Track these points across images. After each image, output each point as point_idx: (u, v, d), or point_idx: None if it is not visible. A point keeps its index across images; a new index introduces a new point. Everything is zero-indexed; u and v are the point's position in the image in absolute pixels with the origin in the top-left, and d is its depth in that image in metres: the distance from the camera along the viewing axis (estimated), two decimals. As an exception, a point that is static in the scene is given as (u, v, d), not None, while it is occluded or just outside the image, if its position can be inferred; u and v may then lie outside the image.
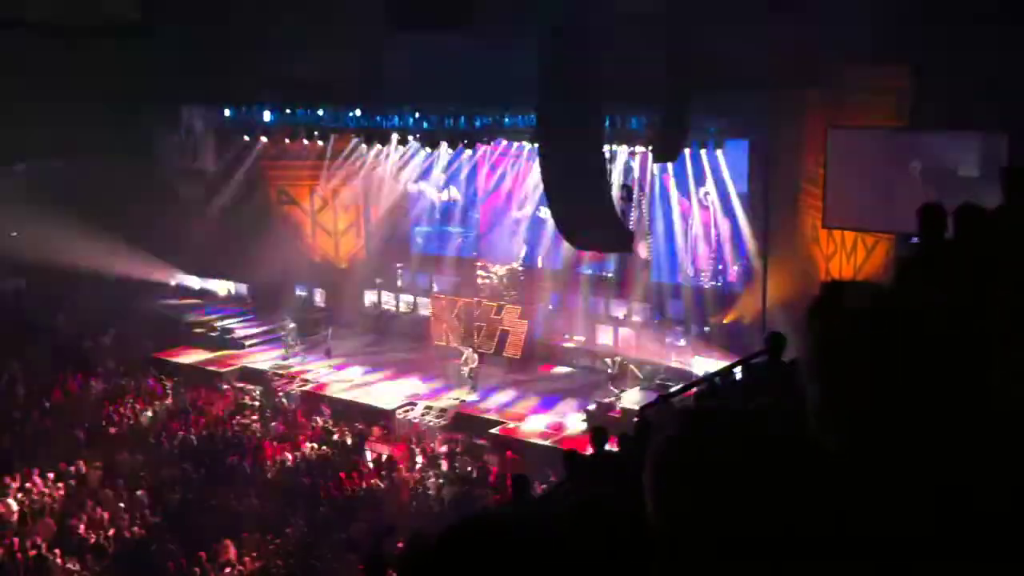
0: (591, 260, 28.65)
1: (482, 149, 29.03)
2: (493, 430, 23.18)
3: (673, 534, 1.59)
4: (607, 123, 23.19)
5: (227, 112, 30.77)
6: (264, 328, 30.43)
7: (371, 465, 21.60)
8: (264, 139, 30.93)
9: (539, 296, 29.12)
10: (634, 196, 27.46)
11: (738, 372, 13.15)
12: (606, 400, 24.21)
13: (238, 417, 24.03)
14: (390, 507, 19.93)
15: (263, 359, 28.54)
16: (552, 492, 12.82)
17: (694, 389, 14.33)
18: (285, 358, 28.33)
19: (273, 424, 23.75)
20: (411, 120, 27.91)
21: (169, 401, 24.99)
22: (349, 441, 22.87)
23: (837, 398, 1.69)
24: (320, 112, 28.99)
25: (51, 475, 20.08)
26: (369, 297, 32.13)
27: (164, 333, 29.36)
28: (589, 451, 12.00)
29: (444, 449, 22.43)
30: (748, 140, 25.65)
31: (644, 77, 20.56)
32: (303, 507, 19.76)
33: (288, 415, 24.36)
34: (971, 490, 1.61)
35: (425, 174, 32.28)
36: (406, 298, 31.51)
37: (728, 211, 26.83)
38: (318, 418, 24.11)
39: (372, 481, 20.91)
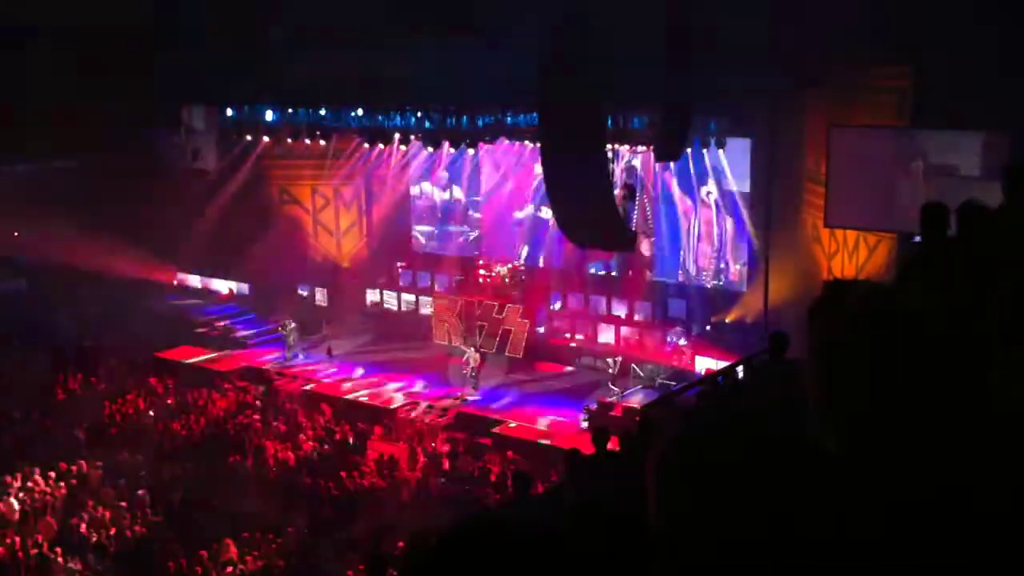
0: (597, 259, 28.69)
1: (484, 148, 29.03)
2: (495, 429, 23.19)
3: (673, 535, 1.59)
4: (609, 122, 23.20)
5: (228, 112, 30.77)
6: (265, 328, 30.42)
7: (372, 464, 21.59)
8: (266, 139, 30.96)
9: (541, 295, 29.13)
10: (636, 195, 27.50)
11: (740, 372, 13.16)
12: (607, 400, 24.21)
13: (239, 416, 24.02)
14: (391, 507, 19.93)
15: (264, 358, 28.54)
16: (552, 492, 12.82)
17: (696, 389, 14.33)
18: (286, 358, 28.34)
19: (274, 423, 23.75)
20: (413, 120, 27.91)
21: (170, 400, 24.99)
22: (350, 440, 22.88)
23: (837, 398, 1.69)
24: (322, 112, 29.00)
25: (52, 474, 20.08)
26: (371, 296, 32.15)
27: (165, 332, 29.35)
28: (590, 451, 11.98)
29: (446, 448, 22.43)
30: (750, 139, 25.67)
31: (645, 76, 20.55)
32: (304, 507, 19.77)
33: (289, 415, 24.35)
34: (971, 490, 1.61)
35: (427, 174, 32.31)
36: (408, 297, 31.51)
37: (730, 210, 26.85)
38: (319, 417, 24.11)
39: (373, 481, 20.92)
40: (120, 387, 25.55)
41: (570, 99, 19.39)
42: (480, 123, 26.91)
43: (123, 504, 19.24)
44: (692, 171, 27.03)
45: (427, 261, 32.18)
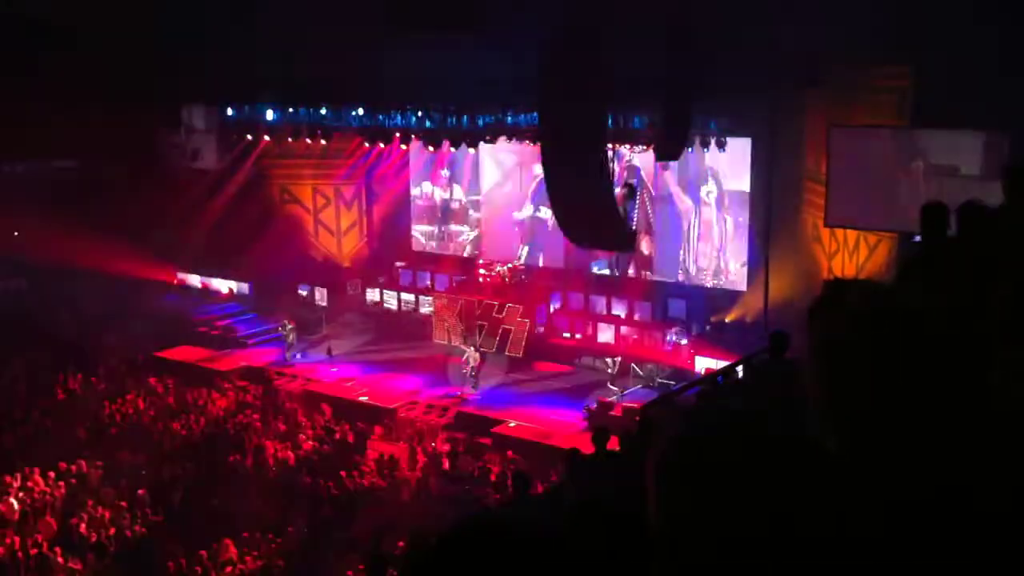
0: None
1: (484, 148, 29.04)
2: (494, 429, 23.19)
3: (673, 534, 1.59)
4: (609, 122, 23.20)
5: (229, 111, 30.79)
6: (265, 327, 30.42)
7: (372, 464, 21.59)
8: (266, 138, 30.98)
9: (541, 295, 29.13)
10: (637, 195, 27.53)
11: (740, 371, 13.15)
12: (607, 399, 24.21)
13: (239, 416, 24.02)
14: (391, 506, 19.93)
15: (264, 358, 28.54)
16: (552, 492, 12.82)
17: (696, 388, 14.32)
18: (286, 357, 28.34)
19: (274, 423, 23.74)
20: (413, 119, 27.93)
21: (170, 400, 24.99)
22: (350, 440, 22.88)
23: (837, 398, 1.69)
24: (323, 111, 29.01)
25: (52, 474, 20.08)
26: (371, 296, 32.16)
27: (165, 332, 29.35)
28: (590, 450, 11.98)
29: (446, 448, 22.43)
30: (750, 139, 25.69)
31: (646, 76, 20.56)
32: (304, 506, 19.77)
33: (289, 414, 24.35)
34: (971, 490, 1.61)
35: (427, 173, 32.34)
36: (407, 297, 31.52)
37: (730, 210, 26.87)
38: (319, 417, 24.11)
39: (373, 480, 20.92)
40: (120, 387, 25.54)
41: (570, 99, 19.39)
42: (480, 123, 26.94)
43: (123, 504, 19.24)
44: (692, 171, 27.05)
45: (427, 261, 32.19)
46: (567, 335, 28.52)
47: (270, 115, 29.91)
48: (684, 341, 26.50)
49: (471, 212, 31.99)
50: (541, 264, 30.23)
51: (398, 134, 28.41)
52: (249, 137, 31.39)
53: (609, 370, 26.32)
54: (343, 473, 20.63)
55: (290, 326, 28.64)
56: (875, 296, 1.77)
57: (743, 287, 26.82)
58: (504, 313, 28.23)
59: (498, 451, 22.16)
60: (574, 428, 23.02)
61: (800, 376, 1.78)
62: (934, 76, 19.29)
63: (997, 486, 1.63)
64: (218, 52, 25.28)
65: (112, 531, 18.36)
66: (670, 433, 1.66)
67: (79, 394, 25.24)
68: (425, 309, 30.57)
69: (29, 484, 19.71)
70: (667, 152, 23.32)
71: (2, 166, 32.17)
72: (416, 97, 27.05)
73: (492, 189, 31.35)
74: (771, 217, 25.54)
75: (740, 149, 25.97)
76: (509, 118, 26.34)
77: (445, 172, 31.98)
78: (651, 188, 28.30)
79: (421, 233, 32.88)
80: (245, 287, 33.15)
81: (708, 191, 27.15)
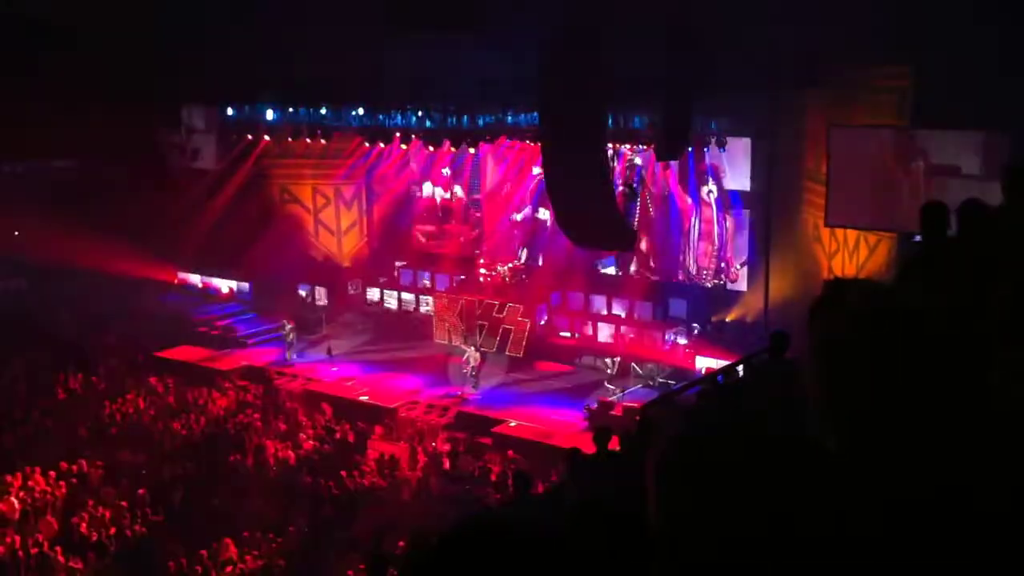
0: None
1: (485, 148, 29.05)
2: (495, 429, 23.19)
3: (673, 534, 1.59)
4: (609, 122, 23.22)
5: (229, 111, 30.78)
6: (266, 327, 30.42)
7: (373, 464, 21.59)
8: (267, 138, 30.99)
9: (541, 295, 29.13)
10: (637, 194, 27.57)
11: (740, 371, 13.15)
12: (607, 399, 24.21)
13: (239, 416, 24.02)
14: (391, 506, 19.93)
15: (265, 358, 28.54)
16: (553, 492, 12.82)
17: (696, 388, 14.33)
18: (286, 357, 28.34)
19: (274, 423, 23.74)
20: (414, 119, 27.93)
21: (170, 400, 24.99)
22: (351, 440, 22.88)
23: (837, 397, 1.69)
24: (323, 111, 29.01)
25: (52, 474, 20.08)
26: (371, 295, 32.16)
27: (166, 332, 29.34)
28: (591, 450, 11.99)
29: (446, 448, 22.43)
30: (750, 139, 25.70)
31: (646, 76, 20.57)
32: (304, 506, 19.77)
33: (289, 414, 24.35)
34: (971, 490, 1.61)
35: (428, 173, 32.34)
36: (408, 296, 31.52)
37: (730, 210, 26.88)
38: (319, 417, 24.11)
39: (373, 480, 20.92)
40: (120, 387, 25.54)
41: (570, 99, 19.40)
42: (480, 122, 26.93)
43: (123, 504, 19.24)
44: (693, 171, 27.06)
45: (427, 260, 32.19)
46: (564, 334, 28.51)
47: (270, 115, 29.90)
48: (684, 341, 26.51)
49: (472, 211, 31.99)
50: (541, 263, 30.22)
51: (398, 134, 28.40)
52: (249, 137, 31.39)
53: (608, 370, 26.32)
54: (343, 473, 20.63)
55: (289, 326, 28.64)
56: (875, 296, 1.77)
57: (743, 287, 26.83)
58: (504, 313, 28.22)
59: (498, 451, 22.16)
60: (574, 428, 23.01)
61: (800, 376, 1.78)
62: (934, 76, 19.30)
63: (997, 486, 1.63)
64: (218, 52, 25.26)
65: (112, 531, 18.36)
66: (670, 433, 1.67)
67: (79, 394, 25.23)
68: (425, 309, 30.56)
69: (30, 484, 19.71)
70: (667, 152, 23.34)
71: (2, 166, 32.16)
72: (416, 97, 27.04)
73: (493, 188, 31.36)
74: (771, 217, 25.56)
75: (740, 149, 25.98)
76: (509, 118, 26.34)
77: (446, 172, 31.98)
78: (651, 188, 28.30)
79: (422, 232, 32.88)
80: (245, 286, 33.14)
81: (708, 191, 27.15)
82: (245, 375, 27.04)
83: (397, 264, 32.60)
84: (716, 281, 27.51)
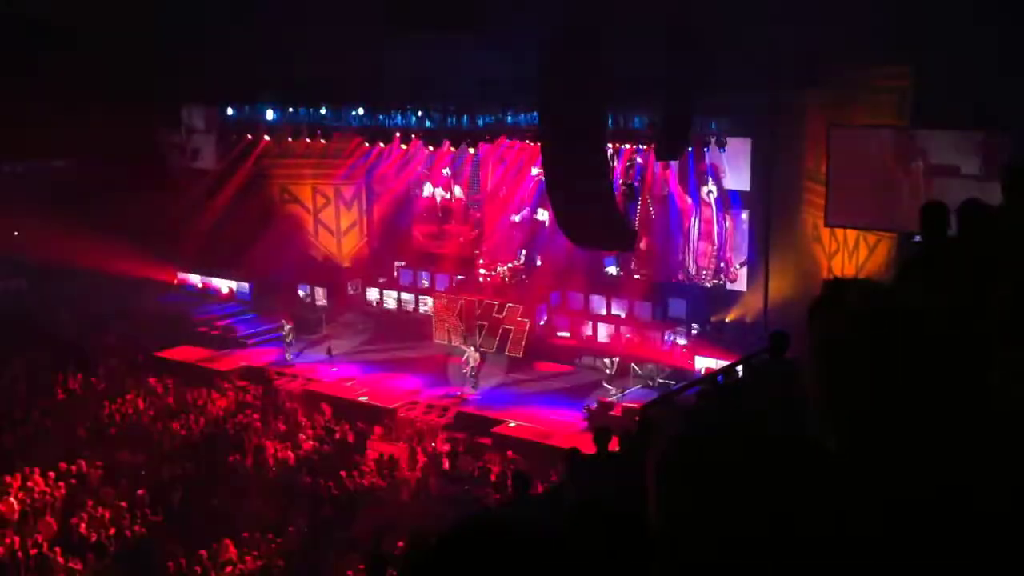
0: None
1: (485, 148, 29.06)
2: (494, 429, 23.19)
3: (673, 534, 1.59)
4: (610, 122, 23.22)
5: (229, 111, 30.79)
6: (265, 327, 30.42)
7: (372, 464, 21.59)
8: (266, 138, 31.00)
9: (541, 295, 29.14)
10: (638, 194, 27.58)
11: (740, 371, 13.15)
12: (606, 399, 24.21)
13: (239, 416, 24.02)
14: (391, 506, 19.93)
15: (264, 358, 28.54)
16: (552, 492, 12.81)
17: (696, 388, 14.33)
18: (286, 357, 28.34)
19: (274, 423, 23.74)
20: (413, 119, 27.93)
21: (170, 400, 24.98)
22: (350, 440, 22.88)
23: (837, 397, 1.69)
24: (323, 111, 29.02)
25: (52, 474, 20.07)
26: (371, 295, 32.16)
27: (165, 332, 29.34)
28: (590, 450, 11.98)
29: (446, 448, 22.43)
30: (750, 139, 25.71)
31: (646, 76, 20.58)
32: (304, 506, 19.76)
33: (289, 414, 24.35)
34: (971, 490, 1.61)
35: (427, 173, 32.34)
36: (407, 297, 31.52)
37: (730, 209, 26.89)
38: (319, 417, 24.11)
39: (373, 480, 20.92)
40: (120, 387, 25.53)
41: (570, 99, 19.40)
42: (480, 123, 26.93)
43: (123, 504, 19.24)
44: (692, 171, 27.07)
45: (427, 260, 32.20)
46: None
47: (270, 115, 29.90)
48: (684, 341, 26.52)
49: (471, 211, 32.00)
50: (540, 263, 30.23)
51: (398, 134, 28.40)
52: (249, 137, 31.40)
53: (607, 370, 26.32)
54: (343, 473, 20.63)
55: (288, 326, 28.64)
56: (875, 296, 1.77)
57: (743, 287, 26.83)
58: (504, 313, 28.23)
59: (498, 451, 22.15)
60: (574, 428, 23.01)
61: (800, 376, 1.78)
62: (934, 76, 19.31)
63: (997, 486, 1.63)
64: (218, 52, 25.29)
65: (112, 531, 18.35)
66: (670, 433, 1.67)
67: (79, 394, 25.22)
68: (425, 309, 30.56)
69: (29, 484, 19.70)
70: (667, 152, 23.35)
71: (2, 166, 32.17)
72: (416, 97, 27.05)
73: (493, 189, 31.37)
74: (771, 217, 25.56)
75: (740, 149, 25.99)
76: (509, 118, 26.34)
77: (445, 172, 31.98)
78: (651, 188, 28.31)
79: (421, 233, 32.88)
80: (245, 286, 33.14)
81: (708, 191, 27.16)
82: (244, 375, 27.04)
83: (397, 264, 32.60)
84: (716, 281, 27.51)
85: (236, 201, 32.20)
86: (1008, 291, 2.94)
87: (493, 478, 20.46)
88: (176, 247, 32.50)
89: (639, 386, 25.12)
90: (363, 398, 25.40)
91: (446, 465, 21.50)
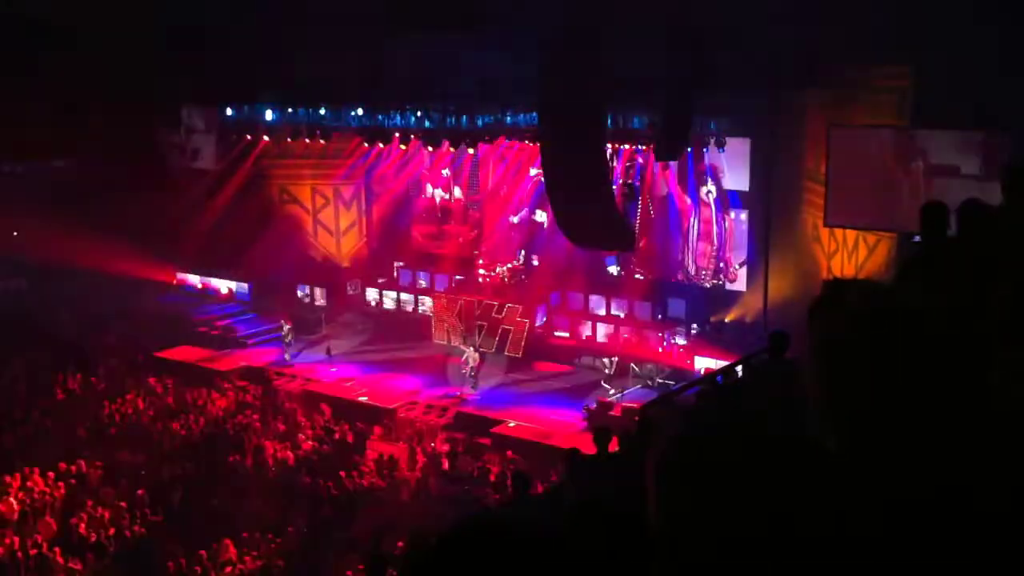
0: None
1: (484, 149, 29.06)
2: (494, 429, 23.19)
3: (673, 534, 1.59)
4: (609, 122, 23.22)
5: (228, 111, 30.79)
6: (265, 327, 30.42)
7: (372, 464, 21.59)
8: (266, 138, 31.00)
9: (540, 295, 29.14)
10: (638, 195, 27.58)
11: (740, 371, 13.15)
12: (606, 399, 24.21)
13: (239, 416, 24.03)
14: (391, 506, 19.93)
15: (264, 358, 28.54)
16: (552, 492, 12.81)
17: (695, 388, 14.32)
18: (285, 357, 28.33)
19: (273, 423, 23.74)
20: (413, 119, 27.93)
21: (169, 400, 24.98)
22: (350, 440, 22.88)
23: (837, 397, 1.69)
24: (322, 111, 29.01)
25: (52, 474, 20.07)
26: (370, 296, 32.16)
27: (165, 332, 29.34)
28: (590, 450, 11.98)
29: (445, 448, 22.43)
30: (750, 139, 25.70)
31: (646, 76, 20.58)
32: (303, 506, 19.76)
33: (288, 414, 24.35)
34: (971, 490, 1.61)
35: (427, 173, 32.34)
36: (407, 297, 31.52)
37: (730, 210, 26.88)
38: (318, 417, 24.11)
39: (373, 480, 20.92)
40: (120, 387, 25.53)
41: (570, 99, 19.40)
42: (480, 123, 26.92)
43: (123, 504, 19.24)
44: (692, 171, 27.07)
45: (426, 261, 32.20)
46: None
47: (269, 115, 29.90)
48: (683, 341, 26.52)
49: (471, 212, 31.99)
50: (539, 264, 30.23)
51: (397, 134, 28.40)
52: (248, 137, 31.40)
53: (605, 370, 26.31)
54: (343, 473, 20.63)
55: (287, 326, 28.64)
56: (875, 296, 1.77)
57: (742, 287, 26.83)
58: (504, 313, 28.23)
59: (498, 451, 22.15)
60: (574, 428, 23.02)
61: (800, 376, 1.78)
62: (934, 76, 19.31)
63: (997, 486, 1.62)
64: (218, 52, 25.28)
65: (112, 531, 18.35)
66: (670, 433, 1.66)
67: (79, 394, 25.22)
68: (425, 309, 30.55)
69: (29, 484, 19.70)
70: (667, 152, 23.35)
71: (2, 166, 32.17)
72: (416, 97, 27.04)
73: (492, 189, 31.37)
74: (771, 217, 25.56)
75: (740, 149, 25.98)
76: (509, 118, 26.33)
77: (445, 172, 31.98)
78: (651, 188, 28.31)
79: (421, 233, 32.87)
80: (244, 287, 33.14)
81: (708, 191, 27.15)
82: (244, 375, 27.04)
83: (396, 264, 32.59)
84: (715, 281, 27.51)
85: (235, 201, 32.20)
86: (1008, 291, 2.94)
87: (493, 478, 20.46)
88: (176, 247, 32.51)
89: (638, 386, 25.12)
90: (362, 398, 25.41)
91: (446, 465, 21.50)
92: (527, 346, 27.84)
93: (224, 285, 33.55)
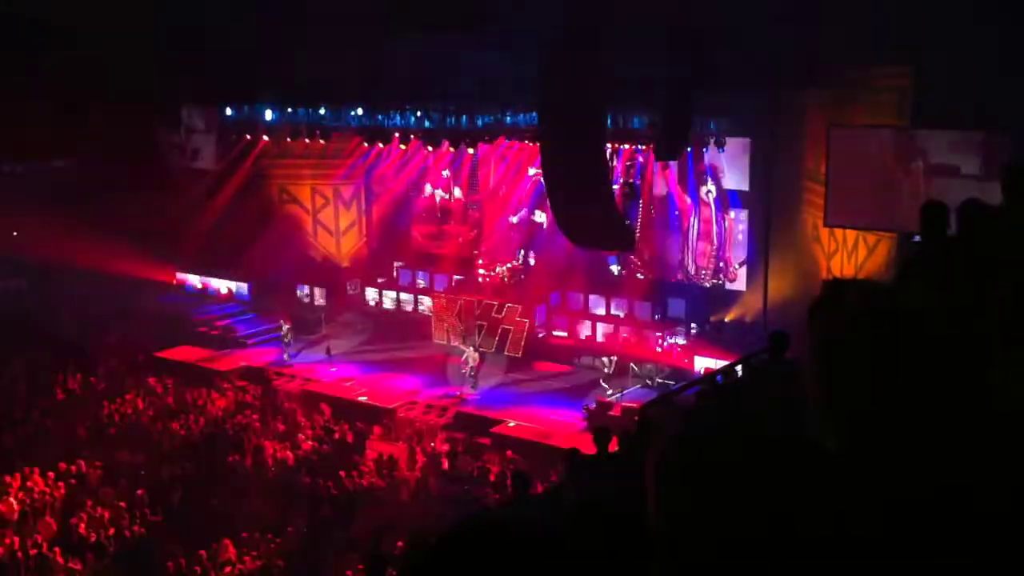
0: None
1: (484, 148, 29.06)
2: (494, 429, 23.19)
3: (673, 534, 1.59)
4: (609, 122, 23.21)
5: (228, 111, 30.78)
6: (264, 327, 30.42)
7: (371, 464, 21.59)
8: (266, 138, 30.99)
9: (540, 295, 29.14)
10: (638, 194, 27.58)
11: (739, 371, 13.14)
12: (605, 399, 24.21)
13: (238, 416, 24.02)
14: (390, 506, 19.92)
15: (264, 358, 28.53)
16: (552, 492, 12.81)
17: (695, 388, 14.32)
18: (284, 357, 28.33)
19: (273, 423, 23.73)
20: (412, 119, 27.92)
21: (169, 400, 24.98)
22: (350, 440, 22.88)
23: (837, 397, 1.69)
24: (322, 111, 29.01)
25: (52, 474, 20.07)
26: (370, 296, 32.16)
27: (165, 332, 29.34)
28: (590, 450, 11.98)
29: (445, 448, 22.43)
30: (750, 139, 25.70)
31: (646, 76, 20.58)
32: (303, 506, 19.76)
33: (288, 414, 24.35)
34: (971, 490, 1.61)
35: (426, 173, 32.33)
36: (406, 297, 31.52)
37: (729, 209, 26.88)
38: (318, 417, 24.11)
39: (372, 480, 20.92)
40: (120, 387, 25.53)
41: (570, 99, 19.39)
42: (480, 123, 26.92)
43: (122, 504, 19.24)
44: (692, 170, 27.07)
45: (426, 261, 32.20)
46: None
47: (269, 115, 29.90)
48: (683, 341, 26.52)
49: (471, 212, 31.99)
50: (538, 264, 30.23)
51: (397, 134, 28.39)
52: (248, 137, 31.40)
53: (605, 370, 26.31)
54: (342, 473, 20.62)
55: (287, 326, 28.63)
56: (875, 296, 1.77)
57: (742, 287, 26.83)
58: (503, 313, 28.23)
59: (497, 451, 22.15)
60: (574, 428, 23.02)
61: (800, 376, 1.78)
62: (934, 76, 19.31)
63: (997, 486, 1.62)
64: (218, 52, 25.28)
65: (111, 531, 18.34)
66: (670, 433, 1.66)
67: (79, 394, 25.23)
68: (424, 309, 30.55)
69: (29, 484, 19.70)
70: (667, 152, 23.34)
71: (2, 166, 32.17)
72: (415, 97, 27.04)
73: (492, 188, 31.37)
74: (771, 217, 25.56)
75: (740, 149, 25.99)
76: (509, 118, 26.33)
77: (444, 172, 31.97)
78: (651, 188, 28.31)
79: (420, 233, 32.88)
80: (244, 287, 33.14)
81: (708, 191, 27.15)
82: (244, 376, 27.04)
83: (396, 264, 32.59)
84: (715, 281, 27.51)
85: (235, 201, 32.20)
86: (1008, 291, 2.94)
87: (492, 478, 20.45)
88: (176, 247, 32.51)
89: (638, 386, 25.12)
90: (362, 398, 25.41)
91: (445, 465, 21.50)
92: (527, 346, 27.84)
93: (224, 285, 33.54)
